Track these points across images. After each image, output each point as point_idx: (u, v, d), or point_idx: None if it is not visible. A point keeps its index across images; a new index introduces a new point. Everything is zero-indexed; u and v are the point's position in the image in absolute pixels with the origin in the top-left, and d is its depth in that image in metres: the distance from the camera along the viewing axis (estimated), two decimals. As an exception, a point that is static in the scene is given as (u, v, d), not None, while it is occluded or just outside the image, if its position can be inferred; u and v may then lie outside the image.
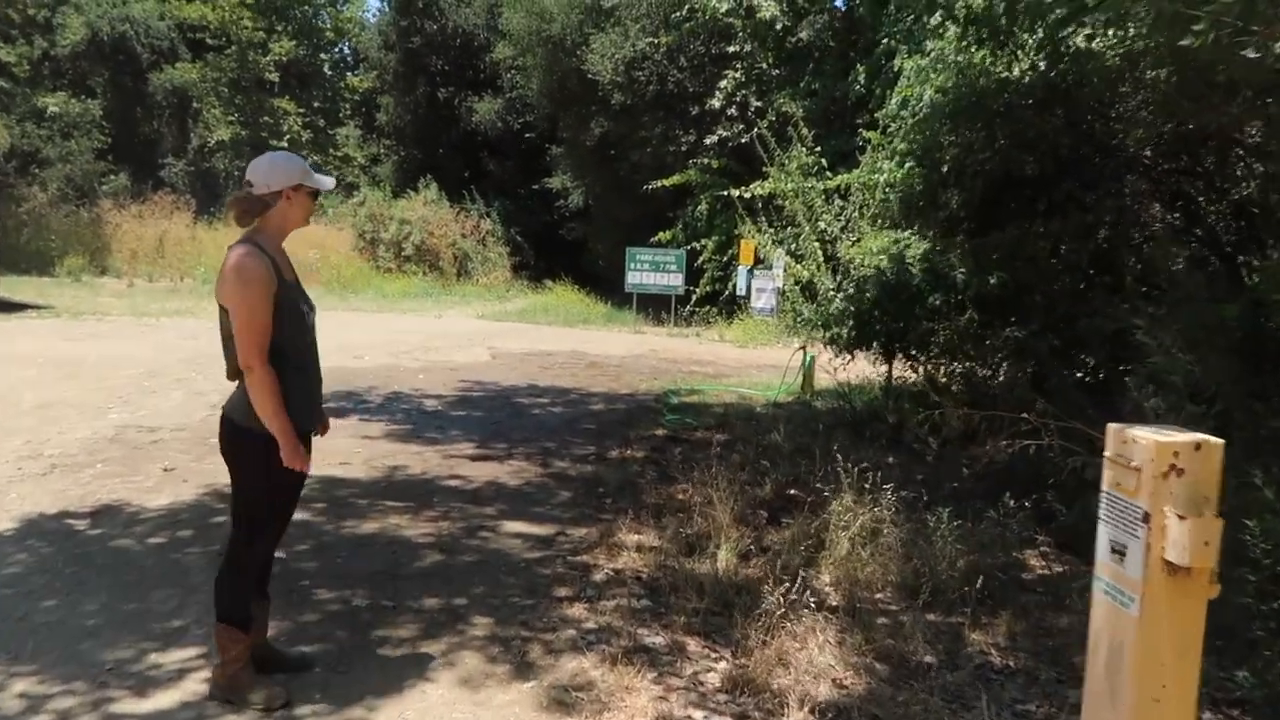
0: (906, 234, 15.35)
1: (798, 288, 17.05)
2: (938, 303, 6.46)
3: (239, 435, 3.05)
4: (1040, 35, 8.16)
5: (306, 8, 36.09)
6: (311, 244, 25.20)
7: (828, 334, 7.56)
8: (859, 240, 16.46)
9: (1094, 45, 8.00)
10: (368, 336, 13.56)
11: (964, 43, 9.06)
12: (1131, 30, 7.72)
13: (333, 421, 7.68)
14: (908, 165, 16.00)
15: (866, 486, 4.81)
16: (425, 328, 15.57)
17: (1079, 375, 6.11)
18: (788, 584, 3.84)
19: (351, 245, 25.56)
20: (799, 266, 17.06)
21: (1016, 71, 8.45)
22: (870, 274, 15.90)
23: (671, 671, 3.44)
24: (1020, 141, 7.61)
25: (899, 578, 4.48)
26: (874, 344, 7.10)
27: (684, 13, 18.80)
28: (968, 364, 6.90)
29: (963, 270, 6.59)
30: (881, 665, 3.65)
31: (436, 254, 25.47)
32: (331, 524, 5.03)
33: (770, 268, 17.06)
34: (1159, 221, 7.58)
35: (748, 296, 17.19)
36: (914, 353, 7.14)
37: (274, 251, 3.09)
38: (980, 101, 7.99)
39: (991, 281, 6.46)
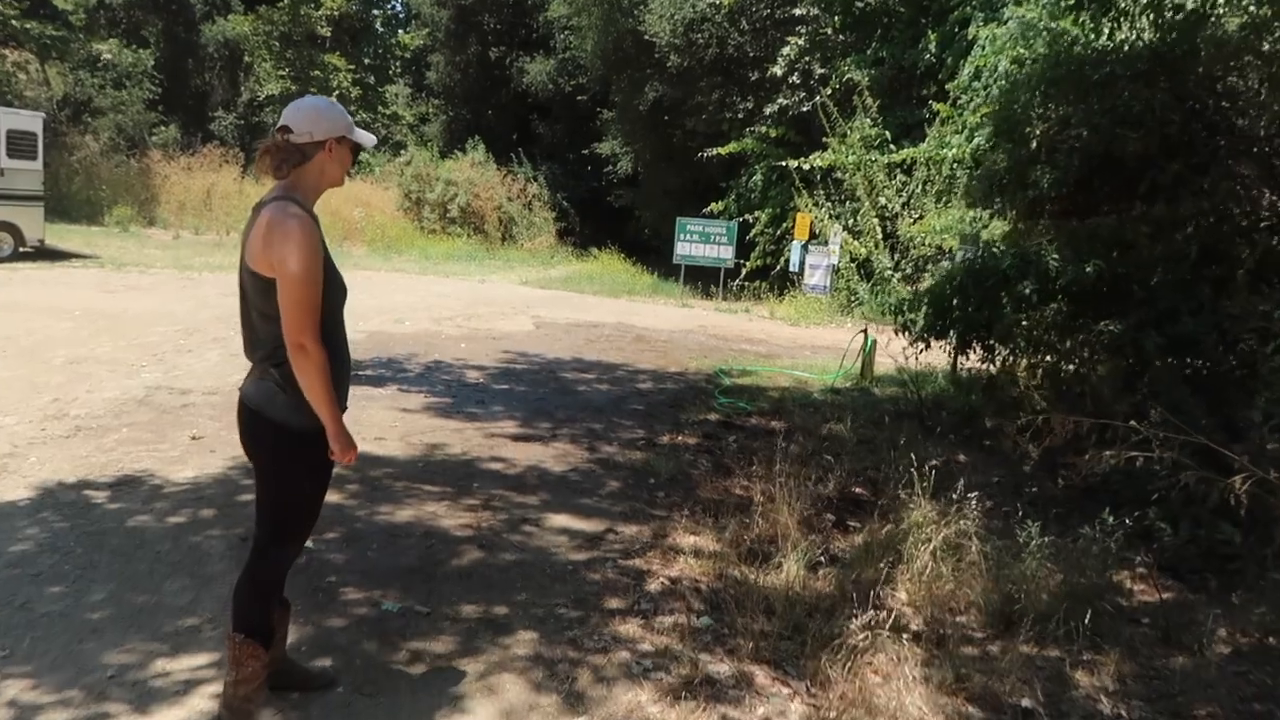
0: (976, 213, 14.66)
1: (853, 265, 16.47)
2: (1027, 291, 5.89)
3: (269, 429, 2.63)
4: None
5: (360, -38, 35.66)
6: (357, 202, 24.96)
7: (901, 320, 6.99)
8: (921, 218, 15.82)
9: (1208, 10, 7.30)
10: (409, 299, 13.24)
11: (1059, 5, 8.41)
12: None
13: (371, 391, 7.36)
14: (978, 139, 15.24)
15: (954, 496, 4.32)
16: (468, 292, 15.22)
17: (1186, 374, 5.54)
18: (867, 611, 3.39)
19: (397, 205, 25.29)
20: (856, 243, 16.45)
21: (1117, 39, 7.79)
22: (930, 253, 15.29)
23: (740, 711, 3.02)
24: (1122, 117, 6.98)
25: (985, 600, 4.01)
26: (950, 333, 6.54)
27: (747, -26, 18.08)
28: (1054, 359, 6.33)
29: (1055, 256, 6.01)
30: (976, 710, 3.20)
31: (482, 216, 25.11)
32: (364, 509, 4.65)
33: (825, 243, 16.47)
34: (1269, 209, 6.94)
35: (801, 272, 16.62)
36: (993, 344, 6.58)
37: (312, 211, 2.68)
38: (1077, 71, 7.36)
39: (1088, 270, 5.88)
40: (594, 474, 5.58)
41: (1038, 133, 7.66)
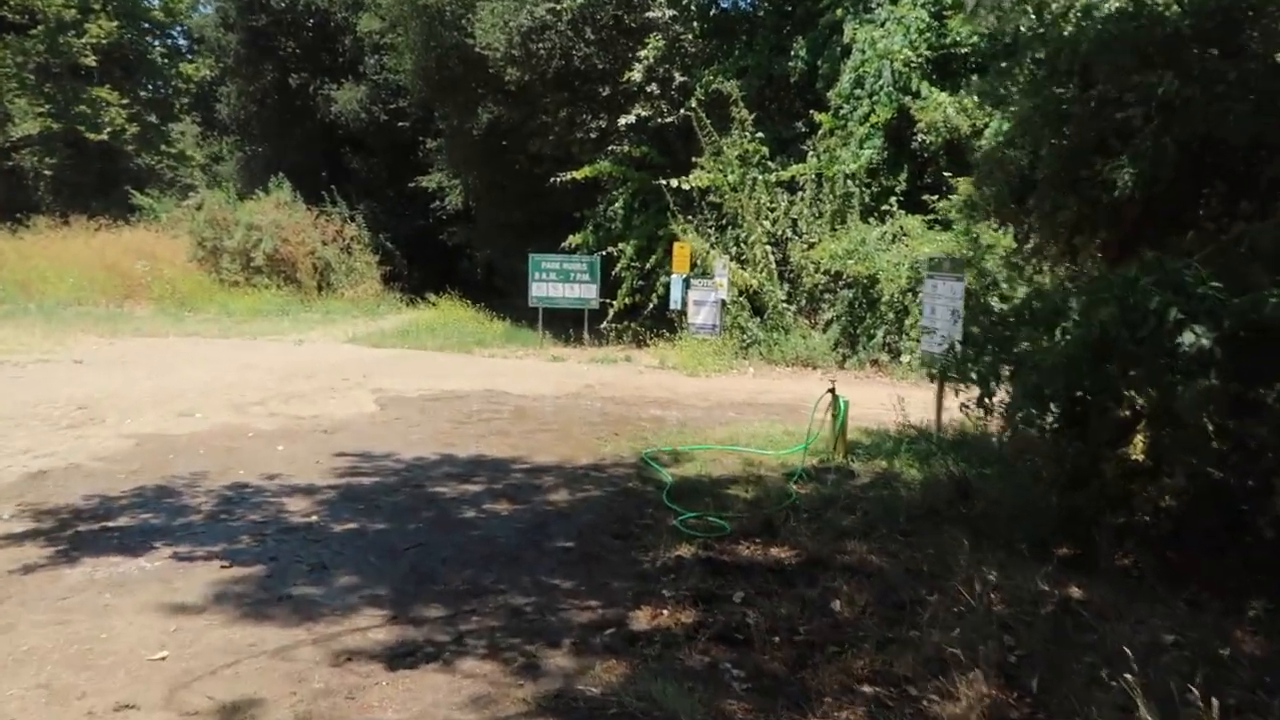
0: (881, 229, 12.77)
1: (743, 299, 14.40)
2: (1207, 343, 3.74)
3: None
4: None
5: (130, -17, 31.33)
6: (139, 253, 21.06)
7: (986, 386, 4.70)
8: (816, 243, 13.92)
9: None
10: (204, 375, 9.99)
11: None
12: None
13: (124, 566, 4.24)
14: (868, 151, 13.40)
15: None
16: (283, 359, 12.04)
17: None
18: None
19: (189, 255, 21.48)
20: (745, 273, 14.39)
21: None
22: (824, 281, 13.35)
23: None
24: (1206, 88, 5.07)
25: None
26: (1052, 404, 4.32)
27: (591, -26, 15.84)
28: (1203, 439, 4.22)
29: (1213, 285, 3.91)
30: None
31: (293, 264, 21.63)
32: None
33: (709, 276, 14.32)
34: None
35: (684, 311, 14.38)
36: (1118, 416, 4.40)
37: None
38: (1142, 32, 5.40)
39: (1274, 301, 3.82)
40: (560, 750, 2.94)
41: (1074, 113, 5.69)
